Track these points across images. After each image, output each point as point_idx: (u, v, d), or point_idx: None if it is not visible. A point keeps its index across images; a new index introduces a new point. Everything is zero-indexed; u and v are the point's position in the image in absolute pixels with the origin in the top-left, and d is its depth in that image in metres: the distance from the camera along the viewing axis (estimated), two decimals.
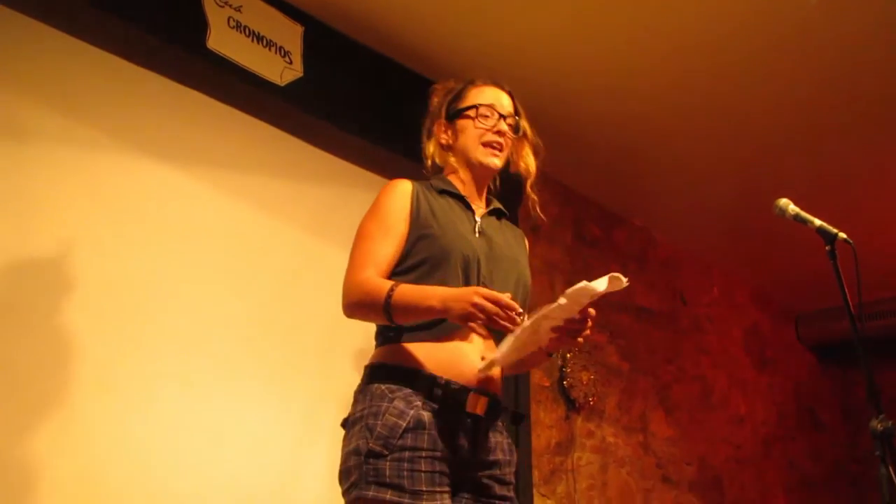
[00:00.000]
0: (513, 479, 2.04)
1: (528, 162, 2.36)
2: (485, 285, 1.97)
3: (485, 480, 1.97)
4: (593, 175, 4.55)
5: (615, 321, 4.73)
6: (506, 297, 1.80)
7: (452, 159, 2.20)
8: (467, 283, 1.98)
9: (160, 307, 2.68)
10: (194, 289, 2.79)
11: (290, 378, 2.96)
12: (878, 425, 1.97)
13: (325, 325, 3.12)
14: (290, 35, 3.08)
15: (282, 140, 3.18)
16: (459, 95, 2.23)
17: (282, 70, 3.01)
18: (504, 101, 2.23)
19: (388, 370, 1.95)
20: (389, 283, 1.89)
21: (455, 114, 2.21)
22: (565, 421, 4.18)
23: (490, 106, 2.19)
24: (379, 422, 1.84)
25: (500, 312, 1.78)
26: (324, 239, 3.22)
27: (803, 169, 4.41)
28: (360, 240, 2.03)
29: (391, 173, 3.46)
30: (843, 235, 2.20)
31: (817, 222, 2.26)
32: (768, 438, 5.92)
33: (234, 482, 2.73)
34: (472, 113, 2.19)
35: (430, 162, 2.25)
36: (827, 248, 2.21)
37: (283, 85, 3.01)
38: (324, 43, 3.19)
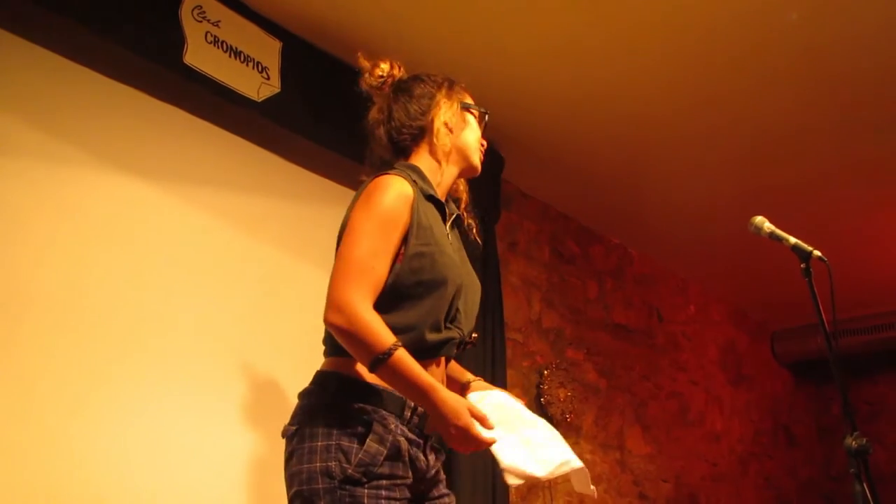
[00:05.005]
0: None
1: (465, 188, 2.27)
2: (457, 318, 1.96)
3: (434, 493, 1.97)
4: (571, 192, 4.56)
5: (592, 338, 4.74)
6: (485, 436, 1.80)
7: (448, 147, 2.06)
8: (448, 311, 1.92)
9: (134, 323, 2.65)
10: (168, 305, 2.76)
11: (265, 395, 2.94)
12: (853, 443, 1.98)
13: (300, 341, 3.10)
14: (268, 51, 3.07)
15: (259, 155, 3.17)
16: (463, 90, 2.17)
17: (259, 85, 3.01)
18: None
19: (361, 387, 1.84)
20: (392, 340, 1.75)
21: (464, 106, 2.14)
22: None
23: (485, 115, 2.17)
24: (356, 446, 1.76)
25: (472, 447, 1.80)
26: (300, 255, 3.21)
27: (779, 187, 4.46)
28: (359, 247, 1.83)
29: None
30: (817, 253, 2.22)
31: (792, 240, 2.27)
32: (744, 455, 5.95)
33: (207, 499, 2.70)
34: (476, 114, 2.16)
35: (414, 126, 2.07)
36: (802, 265, 2.23)
37: (260, 101, 3.00)
38: (301, 59, 3.19)
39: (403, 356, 1.75)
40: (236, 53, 2.96)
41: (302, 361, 3.08)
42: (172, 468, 2.64)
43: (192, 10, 2.84)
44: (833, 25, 3.23)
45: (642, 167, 4.33)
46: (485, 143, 2.17)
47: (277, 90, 3.06)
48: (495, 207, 3.89)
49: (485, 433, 1.81)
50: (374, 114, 2.16)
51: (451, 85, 2.13)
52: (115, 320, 2.62)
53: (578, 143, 4.09)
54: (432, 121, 2.06)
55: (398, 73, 2.14)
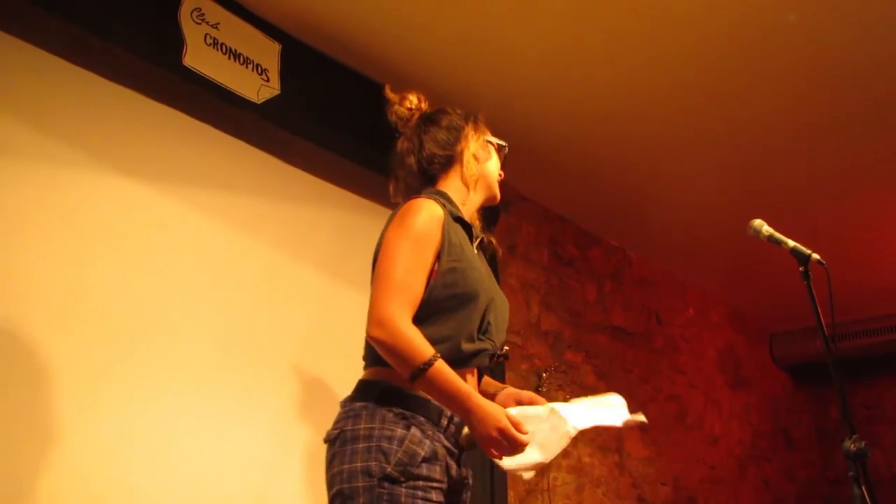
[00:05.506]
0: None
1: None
2: (488, 330, 2.07)
3: None
4: (570, 195, 4.57)
5: (591, 341, 4.74)
6: (521, 437, 1.86)
7: (476, 176, 2.22)
8: (479, 326, 2.04)
9: (133, 324, 2.65)
10: (167, 306, 2.76)
11: (262, 396, 2.94)
12: (852, 446, 1.98)
13: (299, 342, 3.11)
14: (268, 53, 3.07)
15: (258, 158, 3.17)
16: (485, 123, 2.33)
17: (259, 88, 3.01)
18: None
19: (402, 395, 1.94)
20: (431, 352, 1.86)
21: (489, 140, 2.31)
22: None
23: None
24: (395, 447, 1.86)
25: (509, 450, 1.87)
26: (299, 257, 3.21)
27: (778, 189, 4.46)
28: (396, 265, 1.95)
29: (368, 192, 3.49)
30: (816, 256, 2.22)
31: (791, 243, 2.28)
32: (743, 458, 5.94)
33: (207, 500, 2.69)
34: (497, 147, 2.33)
35: (443, 156, 2.22)
36: (800, 269, 2.23)
37: (259, 103, 3.00)
38: (301, 61, 3.19)
39: (442, 366, 1.86)
40: (235, 55, 2.96)
41: (301, 362, 3.10)
42: (171, 469, 2.64)
43: (192, 12, 2.85)
44: (832, 26, 3.23)
45: (641, 170, 4.33)
46: (503, 174, 2.33)
47: (277, 92, 3.06)
48: (494, 210, 3.89)
49: (520, 435, 1.87)
50: (402, 144, 2.30)
51: (476, 119, 2.31)
52: (114, 321, 2.61)
53: (577, 145, 4.09)
54: (462, 151, 2.22)
55: (424, 106, 2.33)
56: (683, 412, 5.45)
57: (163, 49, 2.76)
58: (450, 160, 2.22)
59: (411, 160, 2.25)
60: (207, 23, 2.89)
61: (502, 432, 1.85)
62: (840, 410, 2.07)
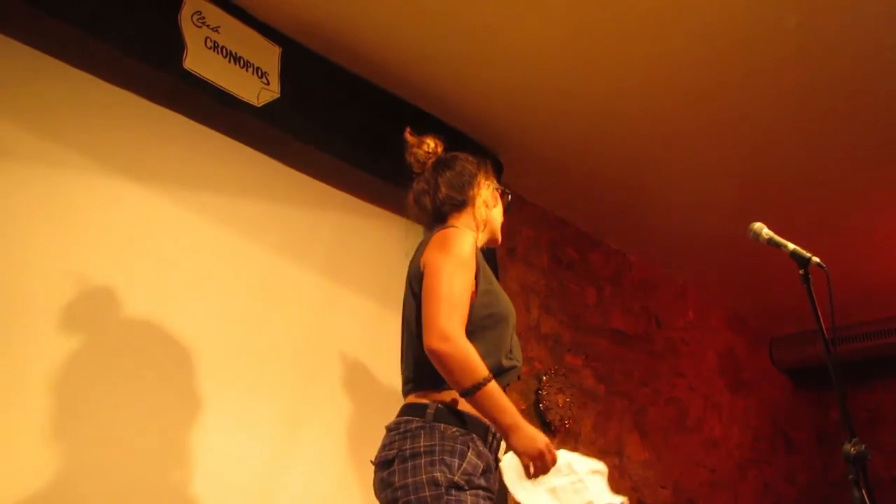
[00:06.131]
0: None
1: None
2: (513, 350, 2.25)
3: None
4: (569, 198, 4.57)
5: (591, 344, 4.74)
6: (553, 461, 2.07)
7: (485, 219, 2.41)
8: (508, 344, 2.23)
9: (132, 326, 2.65)
10: (167, 308, 2.76)
11: (262, 398, 2.94)
12: (852, 449, 1.99)
13: (298, 343, 3.11)
14: (268, 56, 3.08)
15: (258, 161, 3.17)
16: (493, 170, 2.51)
17: (259, 91, 3.01)
18: None
19: (458, 415, 2.08)
20: (485, 372, 2.01)
21: (496, 188, 2.49)
22: None
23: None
24: (458, 460, 2.00)
25: (544, 469, 2.05)
26: (299, 258, 3.21)
27: (778, 192, 4.46)
28: (451, 284, 2.09)
29: (367, 195, 3.50)
30: (816, 260, 2.22)
31: (791, 246, 2.28)
32: (743, 462, 5.94)
33: (206, 501, 2.70)
34: (502, 194, 2.51)
35: (457, 199, 2.37)
36: (800, 272, 2.23)
37: (259, 106, 3.00)
38: (301, 64, 3.19)
39: (493, 389, 2.02)
40: (236, 59, 2.96)
41: (301, 364, 3.09)
42: (170, 470, 2.64)
43: (192, 15, 2.85)
44: (832, 27, 3.23)
45: (641, 172, 4.33)
46: (503, 219, 2.52)
47: (277, 95, 3.06)
48: None
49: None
50: (419, 185, 2.45)
51: (487, 166, 2.48)
52: (115, 323, 2.62)
53: (577, 148, 4.09)
54: (474, 196, 2.39)
55: (440, 150, 2.47)
56: (683, 415, 5.45)
57: (163, 52, 2.76)
58: (462, 203, 2.38)
59: (426, 200, 2.40)
60: (208, 26, 2.89)
61: (549, 448, 2.03)
62: (840, 413, 2.07)
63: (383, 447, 2.11)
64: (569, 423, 4.28)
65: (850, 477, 1.97)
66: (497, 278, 3.86)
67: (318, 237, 3.32)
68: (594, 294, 4.89)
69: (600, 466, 2.28)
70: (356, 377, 3.24)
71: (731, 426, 5.92)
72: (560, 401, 4.26)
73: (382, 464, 2.07)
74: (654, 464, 4.99)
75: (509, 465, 2.12)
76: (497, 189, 2.50)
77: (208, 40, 2.89)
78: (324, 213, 3.34)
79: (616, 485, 4.58)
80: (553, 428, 4.19)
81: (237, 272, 3.01)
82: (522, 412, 4.06)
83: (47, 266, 2.51)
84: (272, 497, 2.88)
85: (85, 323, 2.55)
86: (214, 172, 3.04)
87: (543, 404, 4.17)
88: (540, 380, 4.23)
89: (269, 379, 2.98)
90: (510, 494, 2.14)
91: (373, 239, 3.47)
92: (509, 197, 2.57)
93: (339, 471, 3.05)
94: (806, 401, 6.92)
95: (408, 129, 2.47)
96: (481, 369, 2.00)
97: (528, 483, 2.09)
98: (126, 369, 2.60)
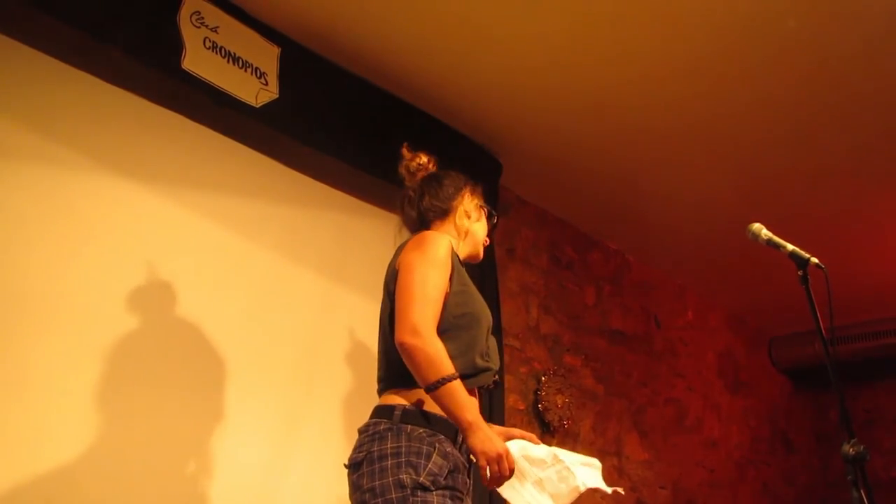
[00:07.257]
0: None
1: None
2: (488, 353, 2.26)
3: None
4: (569, 198, 4.57)
5: (590, 344, 4.74)
6: (510, 469, 2.03)
7: (465, 231, 2.44)
8: (483, 346, 2.23)
9: (132, 326, 2.65)
10: (167, 308, 2.76)
11: (261, 398, 2.94)
12: (850, 450, 1.99)
13: (297, 345, 3.11)
14: (267, 56, 3.07)
15: (256, 161, 3.17)
16: (480, 191, 2.55)
17: (257, 91, 3.01)
18: None
19: (424, 416, 2.10)
20: (451, 370, 2.03)
21: (480, 204, 2.53)
22: None
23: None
24: (423, 461, 2.01)
25: (500, 474, 2.00)
26: (298, 258, 3.21)
27: (777, 193, 4.46)
28: (424, 282, 2.13)
29: (366, 195, 3.50)
30: (815, 260, 2.22)
31: (790, 247, 2.28)
32: (742, 462, 5.94)
33: (206, 501, 2.70)
34: (487, 213, 2.54)
35: (441, 208, 2.42)
36: (799, 272, 2.23)
37: (258, 106, 3.00)
38: (300, 65, 3.18)
39: (457, 387, 2.03)
40: (234, 59, 2.96)
41: (300, 364, 3.09)
42: (170, 470, 2.64)
43: (191, 15, 2.85)
44: (832, 27, 3.23)
45: (640, 173, 4.33)
46: (488, 240, 2.54)
47: (276, 96, 3.06)
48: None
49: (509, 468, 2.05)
50: (406, 194, 2.50)
51: (476, 186, 2.54)
52: (115, 323, 2.62)
53: (576, 149, 4.09)
54: (457, 206, 2.45)
55: (432, 166, 2.53)
56: (682, 415, 5.45)
57: (162, 52, 2.76)
58: (445, 212, 2.43)
59: (411, 208, 2.46)
60: (207, 26, 2.89)
61: (507, 454, 2.01)
62: (839, 414, 2.07)
63: (354, 449, 2.14)
64: (568, 423, 4.28)
65: (849, 477, 1.97)
66: (496, 278, 3.91)
67: (317, 237, 3.32)
68: (593, 294, 4.89)
69: (593, 461, 2.29)
70: (356, 377, 3.24)
71: (731, 426, 5.93)
72: (559, 401, 4.26)
73: (353, 466, 2.10)
74: (654, 464, 4.99)
75: None
76: (482, 207, 2.54)
77: (207, 40, 2.89)
78: (322, 213, 3.34)
79: (615, 485, 4.59)
80: (552, 428, 4.19)
81: (237, 271, 3.01)
82: (522, 412, 4.09)
83: (47, 266, 2.51)
84: (272, 497, 2.88)
85: (85, 323, 2.55)
86: (213, 172, 3.04)
87: (542, 404, 4.17)
88: (539, 380, 4.23)
89: (269, 378, 2.98)
90: (494, 492, 2.14)
91: (371, 238, 3.46)
92: (496, 220, 2.62)
93: (337, 471, 3.05)
94: (805, 401, 6.92)
95: (405, 145, 2.54)
96: (447, 367, 2.02)
97: (514, 480, 2.10)
98: (125, 369, 2.60)
